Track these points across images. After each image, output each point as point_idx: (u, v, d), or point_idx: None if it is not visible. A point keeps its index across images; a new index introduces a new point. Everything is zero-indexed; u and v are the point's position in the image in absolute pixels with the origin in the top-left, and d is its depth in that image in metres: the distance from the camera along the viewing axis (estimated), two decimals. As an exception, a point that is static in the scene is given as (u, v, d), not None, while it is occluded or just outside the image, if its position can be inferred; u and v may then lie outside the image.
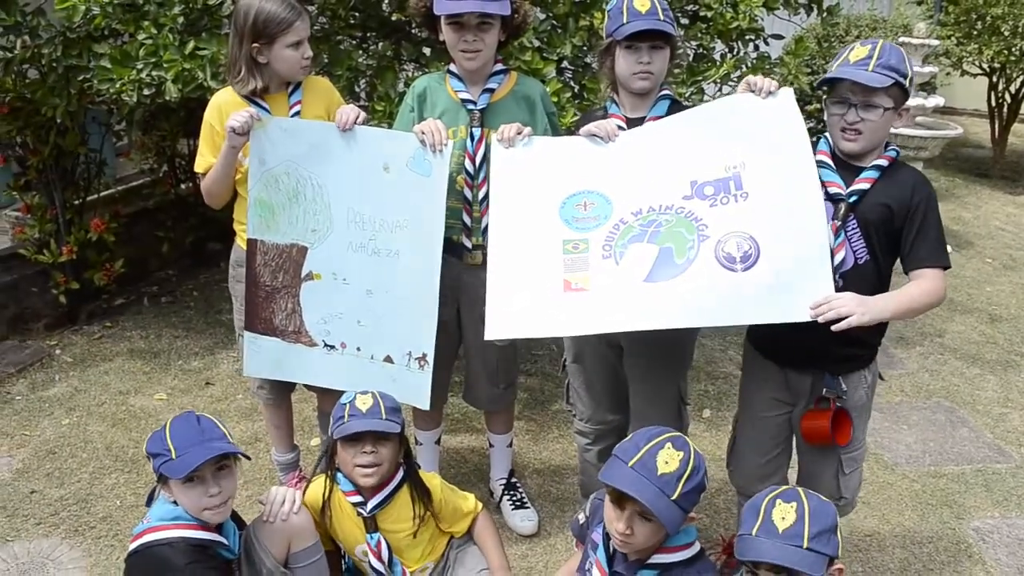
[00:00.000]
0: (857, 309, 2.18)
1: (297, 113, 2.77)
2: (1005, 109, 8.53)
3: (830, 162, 2.39)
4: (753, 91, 2.48)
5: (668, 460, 2.00)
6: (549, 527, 3.28)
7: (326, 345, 2.78)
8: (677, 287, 2.28)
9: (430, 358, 2.67)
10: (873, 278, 2.35)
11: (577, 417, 2.93)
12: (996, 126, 8.66)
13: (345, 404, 2.47)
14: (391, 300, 2.67)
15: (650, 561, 2.12)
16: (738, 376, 4.56)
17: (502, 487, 3.34)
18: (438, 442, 3.36)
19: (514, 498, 3.31)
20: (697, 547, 2.17)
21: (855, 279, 2.30)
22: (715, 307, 2.26)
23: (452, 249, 2.67)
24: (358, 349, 2.76)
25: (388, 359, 2.72)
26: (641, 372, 2.73)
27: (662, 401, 2.75)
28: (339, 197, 2.67)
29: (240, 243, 2.92)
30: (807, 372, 2.51)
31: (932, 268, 2.33)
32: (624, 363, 2.76)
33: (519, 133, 2.60)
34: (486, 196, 2.68)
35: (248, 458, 2.38)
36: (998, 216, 7.64)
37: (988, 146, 9.14)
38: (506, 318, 2.39)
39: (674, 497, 1.97)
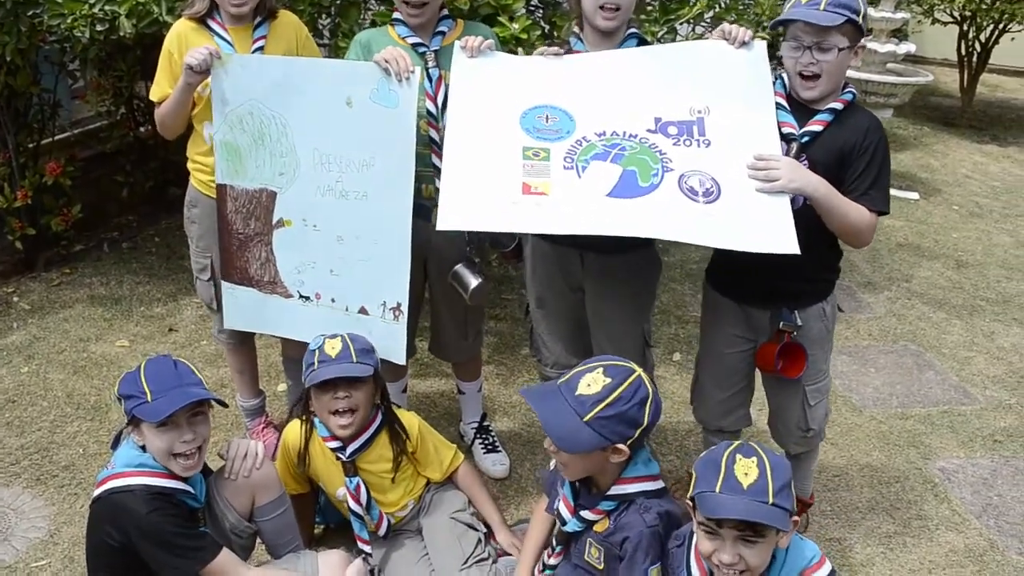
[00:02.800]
0: (787, 175, 2.21)
1: (260, 49, 2.68)
2: (974, 58, 8.53)
3: (785, 103, 2.39)
4: (727, 39, 2.45)
5: (591, 383, 2.01)
6: (520, 469, 3.28)
7: (301, 296, 2.72)
8: (640, 205, 2.25)
9: (405, 308, 2.62)
10: (817, 220, 2.32)
11: (542, 363, 2.92)
12: (965, 75, 8.67)
13: (314, 350, 2.42)
14: (362, 247, 2.60)
15: (610, 492, 2.14)
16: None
17: (474, 431, 3.33)
18: (404, 391, 3.34)
19: (486, 442, 3.30)
20: (659, 483, 2.17)
21: (799, 220, 2.26)
22: (676, 226, 2.23)
23: (419, 210, 2.58)
24: (333, 300, 2.69)
25: (363, 311, 2.66)
26: (604, 314, 2.71)
27: (626, 342, 2.72)
28: (303, 137, 2.58)
29: (195, 183, 2.83)
30: (765, 308, 2.52)
31: (868, 210, 2.31)
32: (587, 306, 2.74)
33: (480, 45, 2.51)
34: None
35: (225, 405, 2.33)
36: (965, 164, 7.70)
37: (957, 95, 9.17)
38: (459, 209, 2.28)
39: (586, 418, 1.97)
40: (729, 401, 2.71)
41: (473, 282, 2.69)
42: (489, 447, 3.27)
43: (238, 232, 2.70)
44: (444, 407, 3.68)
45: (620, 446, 2.04)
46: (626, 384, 2.00)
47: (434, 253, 2.79)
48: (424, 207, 2.63)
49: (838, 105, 2.35)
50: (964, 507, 3.23)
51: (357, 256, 2.61)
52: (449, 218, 2.26)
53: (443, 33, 2.68)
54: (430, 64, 2.62)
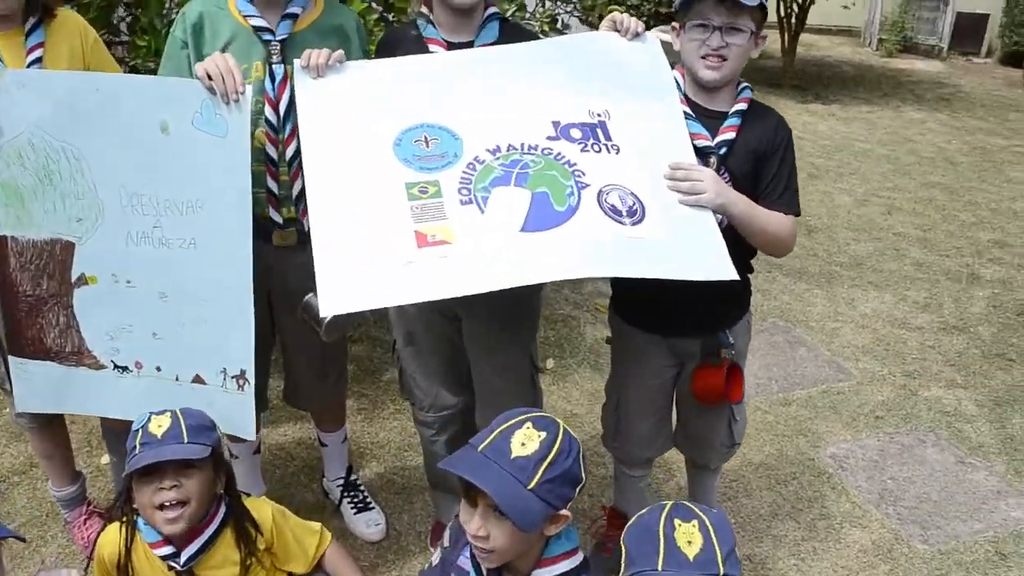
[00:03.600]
0: (712, 188, 1.98)
1: (38, 61, 2.14)
2: (793, 19, 8.71)
3: (689, 110, 2.13)
4: (619, 30, 2.16)
5: (525, 441, 1.62)
6: (398, 524, 2.90)
7: (117, 367, 2.21)
8: (562, 236, 1.88)
9: (250, 375, 2.16)
10: (737, 236, 2.10)
11: (417, 406, 2.53)
12: (785, 36, 8.85)
13: (137, 431, 1.95)
14: (192, 304, 2.13)
15: None
16: (578, 318, 4.41)
17: (340, 488, 2.91)
18: (258, 451, 2.87)
19: (356, 499, 2.89)
20: (580, 556, 1.83)
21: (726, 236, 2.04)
22: (607, 258, 1.88)
23: (257, 228, 2.11)
24: (158, 369, 2.20)
25: (198, 379, 2.19)
26: (486, 342, 2.36)
27: (512, 371, 2.41)
28: (105, 173, 2.07)
29: None
30: (696, 336, 2.28)
31: (784, 214, 2.12)
32: (464, 335, 2.39)
33: (327, 60, 2.05)
34: (297, 154, 2.16)
35: (23, 540, 1.83)
36: (795, 125, 7.70)
37: (778, 56, 9.36)
38: (342, 287, 1.83)
39: (530, 486, 1.58)
40: (655, 429, 2.46)
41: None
42: (360, 505, 2.87)
43: (26, 294, 2.16)
44: (302, 459, 3.23)
45: (563, 511, 1.69)
46: (560, 436, 1.65)
47: (277, 282, 2.34)
48: (263, 225, 2.19)
49: (742, 106, 2.12)
50: (862, 497, 3.15)
51: (186, 316, 2.14)
52: (332, 301, 1.81)
53: (294, 16, 2.18)
54: (274, 58, 2.14)
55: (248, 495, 2.27)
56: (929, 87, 10.73)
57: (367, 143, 1.98)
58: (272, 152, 2.17)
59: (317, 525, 2.28)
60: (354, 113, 2.02)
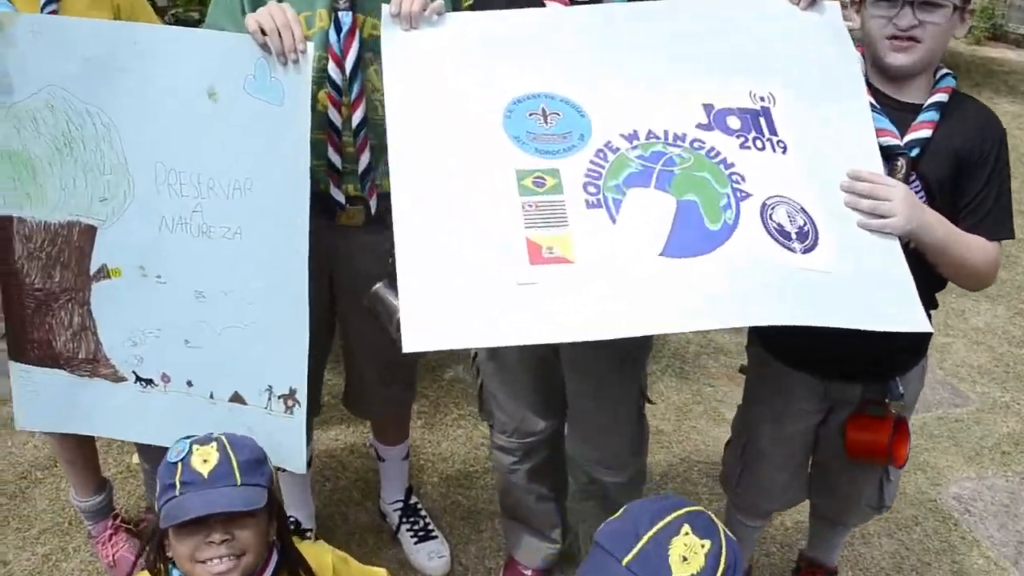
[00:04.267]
0: (903, 211, 1.54)
1: (54, 10, 1.74)
2: None
3: (874, 102, 1.67)
4: None
5: (688, 556, 1.19)
6: (464, 557, 2.51)
7: (139, 379, 1.82)
8: (714, 267, 1.44)
9: (302, 395, 1.77)
10: (923, 263, 1.65)
11: (496, 430, 2.12)
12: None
13: (175, 463, 1.55)
14: (234, 307, 1.73)
15: None
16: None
17: (399, 513, 2.52)
18: (309, 464, 2.47)
19: (416, 526, 2.50)
20: None
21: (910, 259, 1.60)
22: (774, 301, 1.44)
23: (317, 204, 1.72)
24: (189, 384, 1.81)
25: (237, 398, 1.80)
26: (590, 372, 1.94)
27: (620, 406, 1.99)
28: (139, 145, 1.67)
29: None
30: (857, 381, 1.84)
31: (988, 239, 1.67)
32: (563, 360, 1.97)
33: (424, 9, 1.62)
34: (364, 122, 1.77)
35: None
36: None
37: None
38: (432, 317, 1.41)
39: None
40: (789, 481, 2.05)
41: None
42: (421, 534, 2.48)
43: (34, 288, 1.78)
44: (355, 471, 2.83)
45: None
46: (724, 543, 1.22)
47: (342, 266, 1.96)
48: (323, 201, 1.81)
49: (941, 97, 1.67)
50: (996, 551, 2.70)
51: (226, 320, 1.75)
52: (418, 335, 1.38)
53: None
54: (341, 3, 1.72)
55: (298, 524, 1.89)
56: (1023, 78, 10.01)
57: (469, 113, 1.55)
58: (335, 118, 1.77)
59: (380, 571, 1.90)
60: (454, 75, 1.60)
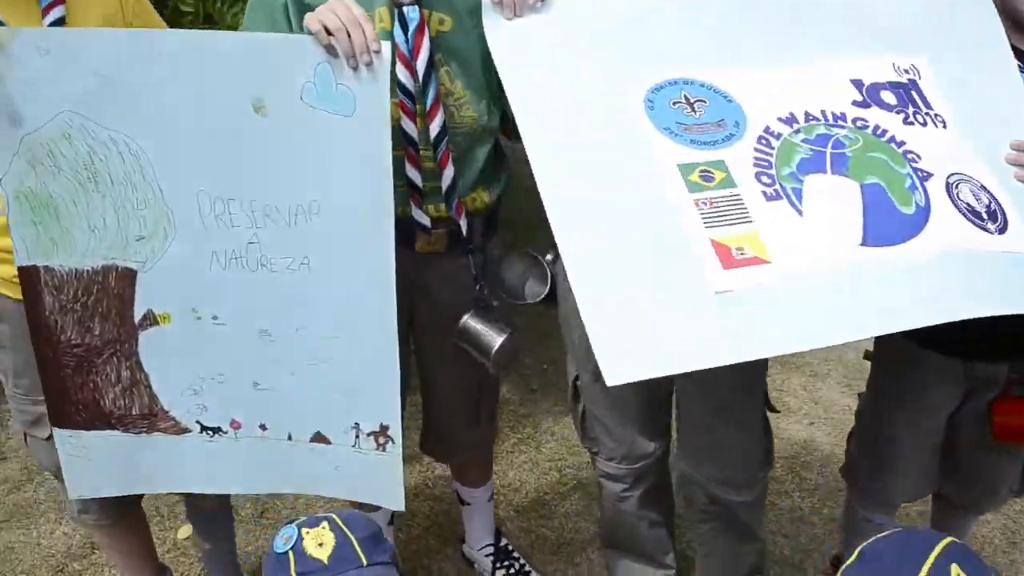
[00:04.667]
0: None
1: (60, 21, 1.47)
2: None
3: (1021, 63, 1.49)
4: None
5: None
6: (562, 591, 2.33)
7: (205, 429, 1.61)
8: (923, 254, 1.27)
9: (396, 431, 1.58)
10: None
11: (603, 456, 1.93)
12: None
13: (284, 554, 1.36)
14: (309, 344, 1.53)
15: None
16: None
17: (492, 558, 2.31)
18: (391, 521, 2.23)
19: (512, 569, 2.31)
20: None
21: None
22: (992, 287, 1.28)
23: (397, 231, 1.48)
24: (263, 428, 1.61)
25: (320, 438, 1.61)
26: (713, 382, 1.75)
27: (745, 416, 1.81)
28: (176, 174, 1.43)
29: None
30: (1002, 360, 1.69)
31: None
32: (681, 380, 1.79)
33: None
34: (443, 131, 1.53)
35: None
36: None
37: None
38: (631, 348, 1.22)
39: None
40: (925, 472, 1.88)
41: (497, 340, 1.66)
42: None
43: (72, 344, 1.54)
44: (425, 515, 2.54)
45: None
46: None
47: (421, 299, 1.75)
48: (401, 227, 1.54)
49: None
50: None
51: (301, 359, 1.54)
52: (619, 368, 1.19)
53: None
54: None
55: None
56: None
57: (606, 108, 1.34)
58: (410, 129, 1.52)
59: None
60: (576, 66, 1.37)
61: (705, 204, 1.26)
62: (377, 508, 1.89)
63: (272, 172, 1.42)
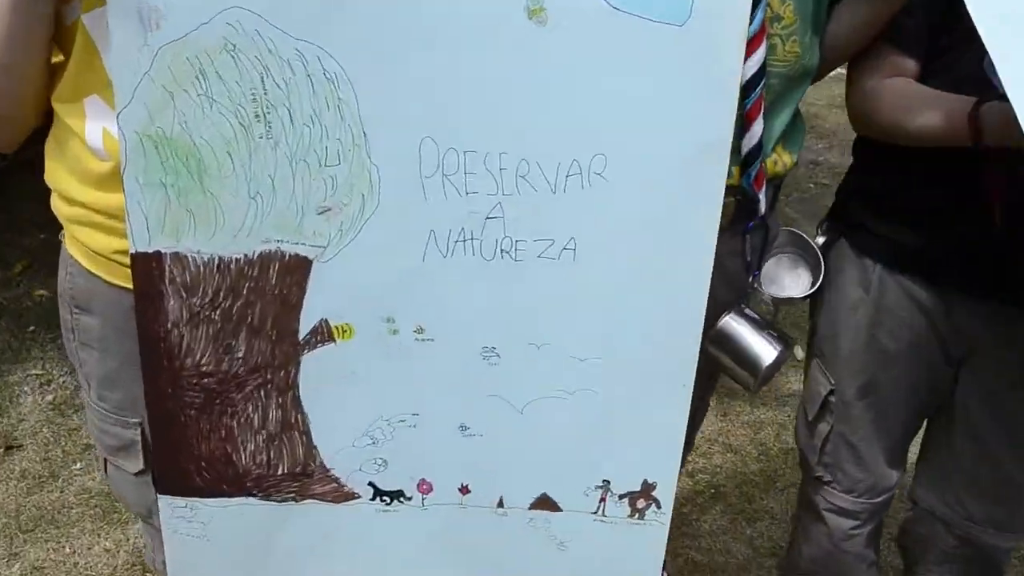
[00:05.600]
0: None
1: None
2: None
3: None
4: None
5: None
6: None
7: (381, 494, 1.11)
8: None
9: (666, 491, 1.12)
10: None
11: (841, 489, 1.53)
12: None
13: None
14: (553, 367, 1.05)
15: None
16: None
17: None
18: None
19: None
20: None
21: None
22: None
23: None
24: (464, 490, 1.12)
25: (545, 503, 1.13)
26: (1007, 403, 1.40)
27: None
28: (393, 110, 0.93)
29: (76, 254, 1.14)
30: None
31: None
32: (962, 390, 1.43)
33: None
34: (761, 71, 1.13)
35: None
36: None
37: None
38: None
39: None
40: None
41: (771, 352, 1.26)
42: None
43: (201, 373, 1.02)
44: None
45: None
46: None
47: None
48: None
49: None
50: None
51: (537, 389, 1.07)
52: None
53: None
54: None
55: None
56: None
57: None
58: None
59: None
60: None
61: None
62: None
63: (540, 109, 0.95)
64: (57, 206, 1.15)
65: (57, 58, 1.05)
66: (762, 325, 1.27)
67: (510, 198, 0.98)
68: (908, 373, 1.41)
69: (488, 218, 0.99)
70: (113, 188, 1.01)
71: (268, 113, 0.93)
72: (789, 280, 1.35)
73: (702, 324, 1.03)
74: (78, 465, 2.20)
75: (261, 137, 0.94)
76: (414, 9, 0.90)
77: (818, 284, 1.33)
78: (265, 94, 0.92)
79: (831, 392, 1.47)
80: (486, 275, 1.01)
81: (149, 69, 0.90)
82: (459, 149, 0.96)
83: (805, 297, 1.35)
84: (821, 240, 1.41)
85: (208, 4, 0.88)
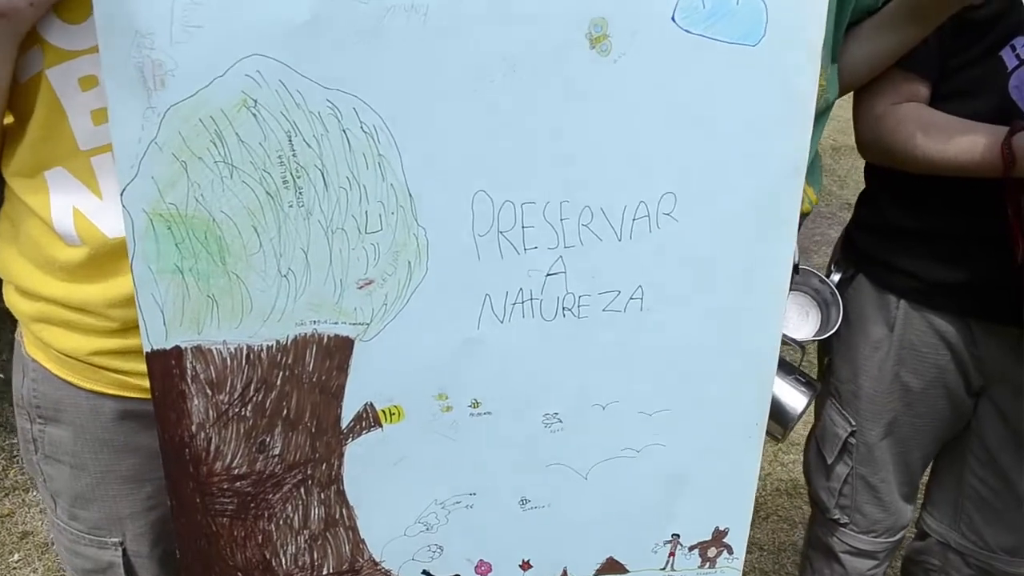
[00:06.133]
0: None
1: None
2: None
3: None
4: None
5: None
6: None
7: (439, 583, 1.00)
8: None
9: (739, 536, 1.04)
10: None
11: (859, 530, 1.49)
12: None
13: None
14: (617, 426, 0.96)
15: None
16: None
17: None
18: None
19: None
20: None
21: None
22: None
23: None
24: (525, 567, 1.02)
25: (612, 566, 1.04)
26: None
27: None
28: (440, 161, 0.81)
29: (34, 351, 0.98)
30: None
31: None
32: (983, 421, 1.39)
33: None
34: None
35: None
36: None
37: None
38: None
39: None
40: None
41: (801, 402, 1.22)
42: None
43: (233, 476, 0.89)
44: None
45: None
46: None
47: None
48: None
49: None
50: None
51: (601, 451, 0.98)
52: None
53: None
54: None
55: None
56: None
57: None
58: None
59: None
60: None
61: None
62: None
63: (605, 148, 0.85)
64: (12, 301, 0.98)
65: (8, 120, 0.89)
66: (788, 371, 1.21)
67: (572, 250, 0.88)
68: (931, 409, 1.37)
69: (548, 275, 0.88)
70: (89, 279, 0.86)
71: (298, 177, 0.80)
72: (796, 321, 1.28)
73: (776, 361, 0.96)
74: (16, 557, 1.97)
75: (291, 205, 0.80)
76: (461, 48, 0.79)
77: (838, 325, 1.27)
78: (294, 155, 0.79)
79: (851, 434, 1.42)
80: (547, 337, 0.90)
81: (156, 136, 0.75)
82: (516, 201, 0.85)
83: (818, 339, 1.29)
84: (836, 277, 1.34)
85: (222, 54, 0.74)
